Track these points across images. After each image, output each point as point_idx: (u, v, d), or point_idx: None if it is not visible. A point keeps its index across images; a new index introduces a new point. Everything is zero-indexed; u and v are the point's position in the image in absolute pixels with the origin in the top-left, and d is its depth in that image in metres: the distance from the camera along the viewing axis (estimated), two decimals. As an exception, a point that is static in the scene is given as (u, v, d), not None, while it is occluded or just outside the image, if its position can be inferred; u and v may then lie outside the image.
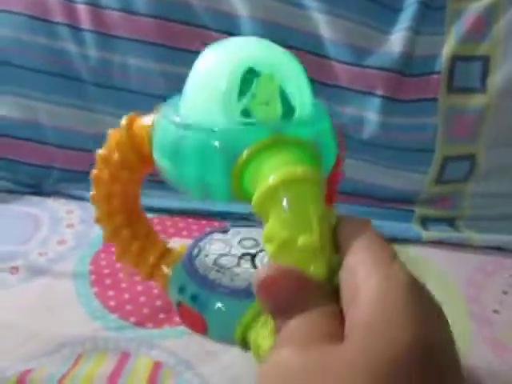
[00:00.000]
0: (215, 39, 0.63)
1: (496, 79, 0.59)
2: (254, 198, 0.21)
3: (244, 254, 0.33)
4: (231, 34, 0.61)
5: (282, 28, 0.60)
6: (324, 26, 0.60)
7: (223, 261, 0.32)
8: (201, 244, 0.34)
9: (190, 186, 0.25)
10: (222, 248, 0.33)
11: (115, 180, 0.30)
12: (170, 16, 0.60)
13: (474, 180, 0.62)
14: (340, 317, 0.19)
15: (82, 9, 0.61)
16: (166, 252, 0.34)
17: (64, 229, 0.56)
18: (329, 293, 0.20)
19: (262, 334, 0.27)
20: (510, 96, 0.59)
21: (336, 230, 0.21)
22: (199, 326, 0.30)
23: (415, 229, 0.61)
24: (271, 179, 0.21)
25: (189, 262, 0.32)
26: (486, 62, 0.59)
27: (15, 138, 0.63)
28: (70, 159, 0.64)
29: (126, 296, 0.45)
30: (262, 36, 0.61)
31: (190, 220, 0.59)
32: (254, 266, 0.32)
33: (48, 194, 0.63)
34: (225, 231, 0.36)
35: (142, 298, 0.45)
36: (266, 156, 0.22)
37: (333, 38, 0.60)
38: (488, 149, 0.61)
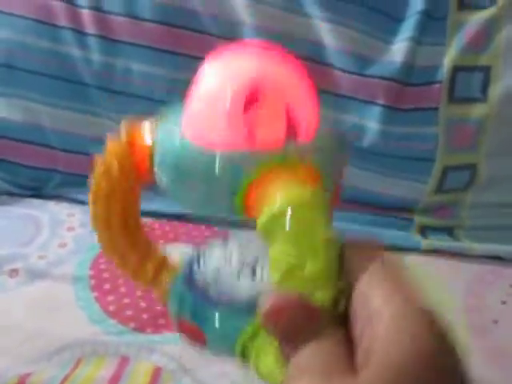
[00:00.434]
0: (219, 46, 0.64)
1: (497, 89, 0.60)
2: (260, 221, 0.21)
3: (243, 267, 0.32)
4: (234, 40, 0.61)
5: (284, 36, 0.60)
6: (327, 34, 0.60)
7: (223, 274, 0.32)
8: (200, 255, 0.33)
9: (194, 204, 0.26)
10: (221, 260, 0.33)
11: (114, 190, 0.30)
12: (174, 22, 0.61)
13: (474, 190, 0.63)
14: (348, 344, 0.19)
15: (86, 13, 0.62)
16: (165, 263, 0.33)
17: (64, 232, 0.56)
18: (335, 319, 0.20)
19: (264, 349, 0.26)
20: (511, 106, 0.60)
21: (344, 255, 0.21)
22: (199, 339, 0.30)
23: (414, 237, 0.61)
24: (277, 203, 0.21)
25: (188, 274, 0.31)
26: (486, 72, 0.60)
27: (17, 140, 0.63)
28: (72, 162, 0.64)
29: (126, 301, 0.45)
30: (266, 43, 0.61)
31: (190, 225, 0.59)
32: (255, 279, 0.31)
33: (49, 197, 0.63)
34: (224, 241, 0.36)
35: (142, 304, 0.45)
36: (272, 178, 0.22)
37: (335, 46, 0.60)
38: (488, 158, 0.61)
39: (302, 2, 0.61)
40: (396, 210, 0.64)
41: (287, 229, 0.20)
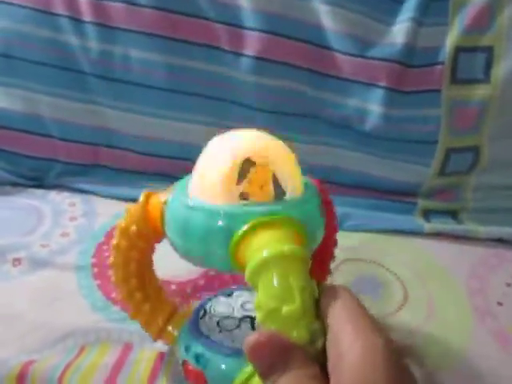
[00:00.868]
0: (218, 31, 0.63)
1: (500, 70, 0.59)
2: (246, 271, 0.25)
3: (244, 317, 0.36)
4: (234, 25, 0.60)
5: (284, 19, 0.60)
6: (327, 17, 0.59)
7: (225, 323, 0.36)
8: (206, 306, 0.37)
9: (197, 259, 0.30)
10: (225, 310, 0.37)
11: (132, 248, 0.34)
12: (172, 7, 0.60)
13: (478, 172, 0.62)
14: (321, 378, 0.22)
15: (84, 1, 0.61)
16: (174, 313, 0.38)
17: (67, 221, 0.56)
18: (311, 355, 0.23)
19: None
20: (513, 87, 0.59)
21: (319, 299, 0.24)
22: (201, 382, 0.33)
23: (418, 221, 0.61)
24: (261, 255, 0.24)
25: (194, 323, 0.36)
26: (489, 53, 0.59)
27: (17, 130, 0.63)
28: (72, 152, 0.64)
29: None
30: (266, 27, 0.61)
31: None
32: (253, 328, 0.35)
33: (50, 187, 0.63)
34: (229, 294, 0.39)
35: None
36: (259, 233, 0.26)
37: (335, 29, 0.60)
38: (492, 140, 0.61)
39: (300, -15, 0.60)
40: (399, 194, 0.63)
41: (268, 277, 0.24)
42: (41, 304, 0.43)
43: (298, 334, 0.23)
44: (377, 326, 0.23)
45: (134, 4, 0.60)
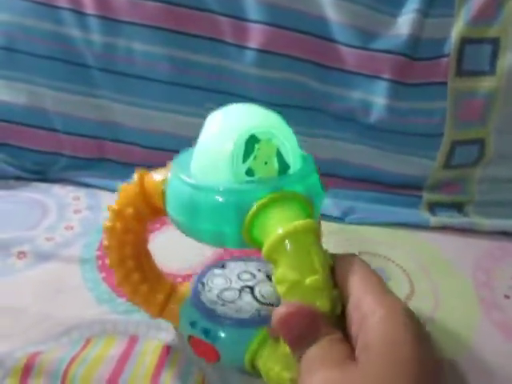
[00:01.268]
0: (221, 24, 0.63)
1: (506, 62, 0.58)
2: (265, 249, 0.25)
3: (243, 287, 0.37)
4: (237, 18, 0.60)
5: (288, 11, 0.59)
6: (330, 8, 0.59)
7: (226, 295, 0.36)
8: (203, 280, 0.38)
9: (205, 238, 0.29)
10: (223, 283, 0.37)
11: (127, 231, 0.34)
12: (176, 0, 0.60)
13: (483, 165, 0.62)
14: (346, 341, 0.23)
15: (87, -6, 0.61)
16: (172, 291, 0.37)
17: (71, 215, 0.56)
18: (333, 322, 0.24)
19: (272, 358, 0.30)
20: (520, 79, 0.59)
21: (334, 268, 0.25)
22: (212, 355, 0.34)
23: (423, 214, 0.61)
24: (278, 232, 0.25)
25: (196, 298, 0.36)
26: (495, 44, 0.58)
27: (21, 124, 0.63)
28: (77, 146, 0.63)
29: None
30: (269, 20, 0.61)
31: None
32: (254, 297, 0.36)
33: (54, 181, 0.63)
34: (223, 266, 0.39)
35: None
36: (271, 210, 0.26)
37: (339, 21, 0.59)
38: (497, 133, 0.60)
39: (304, -23, 0.60)
40: (404, 187, 0.63)
41: (288, 252, 0.25)
42: (46, 297, 0.43)
43: (321, 303, 0.24)
44: (390, 289, 0.24)
45: (137, -3, 0.60)
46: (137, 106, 0.62)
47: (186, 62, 0.61)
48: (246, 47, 0.60)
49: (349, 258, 0.26)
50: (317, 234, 0.26)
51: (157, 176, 0.32)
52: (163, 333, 0.39)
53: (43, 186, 0.62)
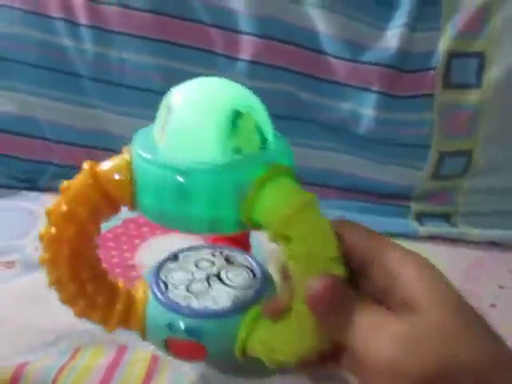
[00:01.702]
0: (212, 35, 0.63)
1: (491, 75, 0.60)
2: (274, 228, 0.24)
3: (209, 276, 0.35)
4: (228, 29, 0.61)
5: (279, 23, 0.60)
6: (320, 21, 0.60)
7: (195, 288, 0.34)
8: (162, 278, 0.34)
9: (198, 224, 0.26)
10: (184, 276, 0.35)
11: (82, 236, 0.28)
12: (167, 11, 0.60)
13: (470, 176, 0.63)
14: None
15: (79, 3, 0.61)
16: (131, 297, 0.33)
17: (60, 224, 0.56)
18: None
19: (273, 339, 0.29)
20: (506, 92, 0.60)
21: (339, 235, 0.25)
22: (198, 354, 0.32)
23: (412, 224, 0.61)
24: (286, 209, 0.24)
25: (164, 297, 0.32)
26: (481, 58, 0.60)
27: (11, 132, 0.63)
28: (66, 154, 0.63)
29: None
30: (260, 31, 0.61)
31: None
32: (225, 284, 0.34)
33: (44, 190, 0.63)
34: (175, 258, 0.37)
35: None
36: (270, 187, 0.25)
37: (329, 33, 0.60)
38: (484, 145, 0.61)
39: (295, -11, 0.61)
40: (392, 198, 0.64)
41: (300, 227, 0.24)
42: (34, 306, 0.43)
43: (340, 271, 0.24)
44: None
45: (128, 7, 0.60)
46: (128, 115, 0.62)
47: (177, 72, 0.61)
48: (236, 58, 0.61)
49: (350, 222, 0.26)
50: (318, 205, 0.25)
51: (114, 164, 0.28)
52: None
53: (33, 194, 0.62)
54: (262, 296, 0.33)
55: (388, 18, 0.61)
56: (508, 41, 0.60)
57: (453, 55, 0.60)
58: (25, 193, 0.62)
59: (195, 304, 0.32)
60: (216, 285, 0.34)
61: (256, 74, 0.61)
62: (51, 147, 0.63)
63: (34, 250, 0.51)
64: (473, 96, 0.60)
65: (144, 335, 0.34)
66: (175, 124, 0.26)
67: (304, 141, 0.63)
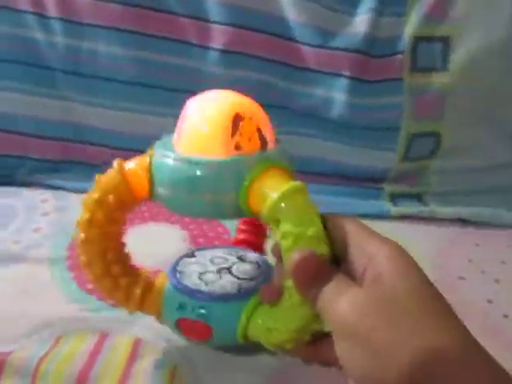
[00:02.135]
0: (184, 25, 0.64)
1: (457, 58, 0.61)
2: (265, 210, 0.28)
3: (220, 269, 0.39)
4: (200, 19, 0.61)
5: (249, 12, 0.61)
6: (290, 8, 0.61)
7: (207, 277, 0.38)
8: (178, 269, 0.39)
9: (204, 210, 0.31)
10: (199, 268, 0.39)
11: (111, 220, 0.33)
12: (139, 2, 0.61)
13: (440, 156, 0.65)
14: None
15: (49, -3, 0.61)
16: (149, 283, 0.37)
17: (39, 217, 0.56)
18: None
19: (270, 321, 0.32)
20: (471, 74, 0.62)
21: (326, 223, 0.29)
22: (204, 334, 0.35)
23: (385, 205, 0.63)
24: (277, 193, 0.28)
25: (178, 284, 0.37)
26: (446, 42, 0.61)
27: (-14, 128, 0.63)
28: (43, 148, 0.63)
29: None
30: (231, 21, 0.62)
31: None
32: (234, 276, 0.38)
33: (22, 184, 0.63)
34: (193, 255, 0.41)
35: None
36: (265, 178, 0.30)
37: (299, 20, 0.61)
38: (451, 126, 0.63)
39: (264, -22, 0.62)
40: (366, 180, 0.65)
41: (289, 209, 0.28)
42: (15, 297, 0.43)
43: (322, 250, 0.27)
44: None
45: (99, -1, 0.60)
46: (102, 107, 0.62)
47: (150, 63, 0.61)
48: (209, 47, 0.61)
49: (339, 216, 0.30)
50: (307, 193, 0.29)
51: (138, 162, 0.33)
52: (134, 328, 0.40)
53: (11, 189, 0.62)
54: None
55: (355, 3, 0.63)
56: (472, 25, 0.62)
57: (419, 39, 0.61)
58: (3, 188, 0.62)
59: (205, 289, 0.36)
60: (226, 276, 0.38)
61: (229, 63, 0.61)
62: (27, 141, 0.63)
63: (12, 243, 0.51)
64: (440, 79, 0.62)
65: (159, 317, 0.37)
66: (187, 129, 0.32)
67: (277, 128, 0.63)
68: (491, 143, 0.64)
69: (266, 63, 0.62)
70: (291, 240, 0.27)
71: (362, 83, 0.62)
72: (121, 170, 0.33)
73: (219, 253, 0.41)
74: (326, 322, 0.27)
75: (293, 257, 0.27)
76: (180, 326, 0.36)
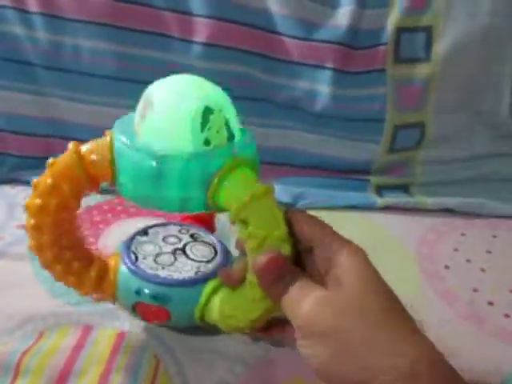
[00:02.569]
0: (166, 18, 0.63)
1: (440, 49, 0.62)
2: (234, 211, 0.29)
3: (175, 250, 0.39)
4: (182, 12, 0.61)
5: (232, 5, 0.61)
6: (272, 1, 0.61)
7: (162, 259, 0.38)
8: (132, 249, 0.38)
9: (170, 205, 0.30)
10: (153, 249, 0.39)
11: (64, 208, 0.32)
12: (120, -4, 0.60)
13: (424, 147, 0.65)
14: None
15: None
16: (103, 265, 0.37)
17: (21, 214, 0.55)
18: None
19: (229, 306, 0.33)
20: (453, 64, 0.62)
21: (290, 221, 0.30)
22: (163, 317, 0.35)
23: (371, 197, 0.63)
24: (246, 196, 0.28)
25: (133, 266, 0.36)
26: (429, 32, 0.62)
27: (-35, 125, 0.62)
28: (24, 145, 0.62)
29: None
30: (213, 14, 0.61)
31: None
32: (189, 257, 0.38)
33: (4, 181, 0.62)
34: (145, 233, 0.41)
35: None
36: (233, 175, 0.29)
37: (282, 13, 0.61)
38: (435, 116, 0.64)
39: (246, -29, 0.61)
40: (352, 172, 0.66)
41: (256, 212, 0.28)
42: (-2, 293, 0.43)
43: (286, 251, 0.29)
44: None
45: (81, -7, 0.60)
46: (84, 102, 0.62)
47: (133, 57, 0.61)
48: (191, 41, 0.61)
49: (301, 212, 0.31)
50: (274, 195, 0.30)
51: (95, 144, 0.31)
52: (117, 321, 0.40)
53: (-8, 187, 0.61)
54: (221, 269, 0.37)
55: (338, -5, 0.63)
56: (454, 15, 0.62)
57: (401, 30, 0.61)
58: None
59: (161, 273, 0.36)
60: (181, 258, 0.38)
61: (211, 56, 0.61)
62: (7, 138, 0.62)
63: (-6, 239, 0.50)
64: (423, 70, 0.62)
65: (114, 300, 0.37)
66: (154, 116, 0.30)
67: (261, 120, 0.64)
68: (473, 133, 0.65)
69: (248, 56, 0.62)
70: (258, 241, 0.28)
71: (346, 75, 0.62)
72: (77, 151, 0.31)
73: (171, 230, 0.41)
74: (290, 320, 0.28)
75: (259, 259, 0.28)
76: (137, 310, 0.36)
